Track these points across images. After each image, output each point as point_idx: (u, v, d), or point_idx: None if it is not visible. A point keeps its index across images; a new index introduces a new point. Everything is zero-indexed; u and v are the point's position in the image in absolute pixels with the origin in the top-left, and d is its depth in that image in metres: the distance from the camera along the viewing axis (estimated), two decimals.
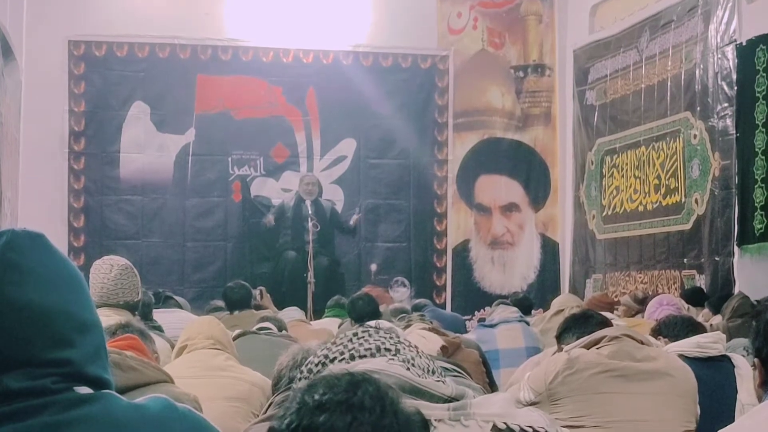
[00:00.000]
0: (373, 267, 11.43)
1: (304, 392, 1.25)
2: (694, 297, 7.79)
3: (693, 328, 4.24)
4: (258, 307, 7.08)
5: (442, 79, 11.70)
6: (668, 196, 9.33)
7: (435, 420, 1.44)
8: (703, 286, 8.45)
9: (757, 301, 6.64)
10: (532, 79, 11.89)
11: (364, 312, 5.63)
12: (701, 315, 7.00)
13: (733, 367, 3.92)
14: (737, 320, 6.25)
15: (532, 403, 3.27)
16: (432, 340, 4.25)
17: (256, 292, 7.67)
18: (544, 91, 11.90)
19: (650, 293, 8.63)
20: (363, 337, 1.64)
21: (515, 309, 6.43)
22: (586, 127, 11.06)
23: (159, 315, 5.66)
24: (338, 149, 11.45)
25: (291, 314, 7.18)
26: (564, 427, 2.97)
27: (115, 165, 10.97)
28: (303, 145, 11.38)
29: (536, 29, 11.90)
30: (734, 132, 8.17)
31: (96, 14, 10.86)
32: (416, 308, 7.61)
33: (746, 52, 7.99)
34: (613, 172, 10.49)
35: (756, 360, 2.69)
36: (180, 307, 6.64)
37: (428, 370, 1.63)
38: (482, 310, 10.97)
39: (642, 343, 3.52)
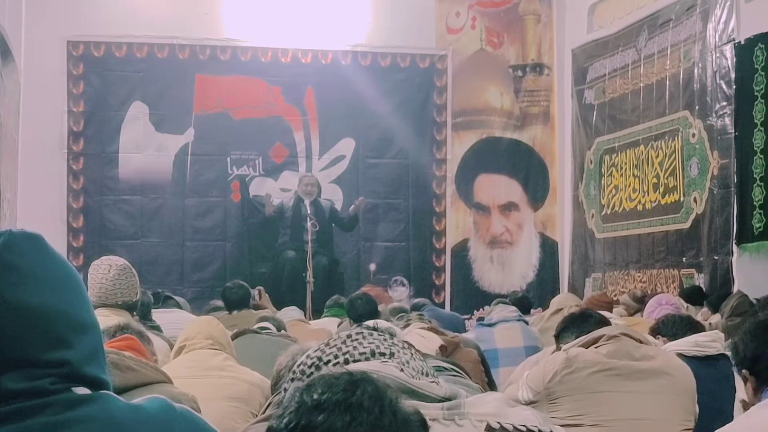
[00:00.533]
0: (372, 266, 11.43)
1: (302, 391, 1.25)
2: (693, 296, 7.79)
3: (691, 327, 4.24)
4: (257, 307, 7.09)
5: (441, 79, 11.70)
6: (667, 195, 9.33)
7: (429, 419, 1.44)
8: (702, 285, 8.45)
9: (756, 299, 6.65)
10: (531, 79, 11.89)
11: (363, 311, 5.63)
12: (700, 314, 7.01)
13: (732, 365, 3.92)
14: (736, 319, 6.25)
15: (531, 403, 3.27)
16: (431, 339, 4.25)
17: (254, 292, 7.68)
18: (543, 91, 11.91)
19: (649, 292, 8.64)
20: (357, 339, 1.63)
21: (514, 308, 6.43)
22: (585, 127, 11.06)
23: (158, 315, 5.67)
24: (337, 149, 11.45)
25: (290, 314, 7.18)
26: (562, 426, 2.97)
27: (114, 165, 10.97)
28: (302, 144, 11.38)
29: (534, 28, 11.90)
30: (733, 131, 8.17)
31: (94, 14, 10.86)
32: (415, 307, 7.62)
33: (745, 51, 8.00)
34: (612, 171, 10.49)
35: (745, 372, 2.72)
36: (179, 307, 6.65)
37: (422, 372, 1.63)
38: (481, 310, 10.97)
39: (640, 342, 3.52)
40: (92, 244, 10.72)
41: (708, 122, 8.59)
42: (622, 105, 10.27)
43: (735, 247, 8.10)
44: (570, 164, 11.51)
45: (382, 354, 1.60)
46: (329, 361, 1.59)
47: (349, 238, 11.33)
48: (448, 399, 1.60)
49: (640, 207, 9.86)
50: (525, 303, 8.30)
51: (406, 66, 11.62)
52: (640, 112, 9.88)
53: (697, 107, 8.80)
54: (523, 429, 1.59)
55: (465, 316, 10.26)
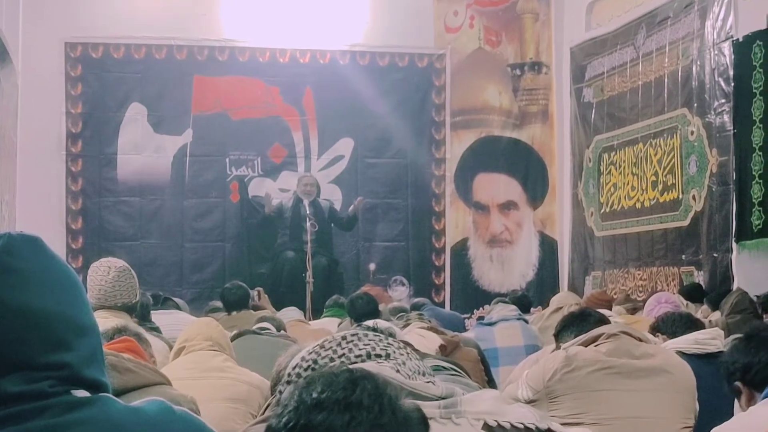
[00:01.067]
0: (372, 266, 11.43)
1: (302, 389, 1.25)
2: (693, 293, 7.79)
3: (691, 324, 4.24)
4: (256, 308, 7.09)
5: (439, 78, 11.69)
6: (666, 193, 9.33)
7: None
8: (701, 283, 8.45)
9: (757, 296, 6.65)
10: (529, 77, 11.89)
11: (364, 311, 5.62)
12: (700, 311, 7.00)
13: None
14: (736, 316, 6.26)
15: (531, 401, 3.27)
16: (431, 339, 4.25)
17: (253, 293, 7.68)
18: (541, 89, 11.90)
19: (649, 290, 8.65)
20: (352, 341, 1.62)
21: (514, 307, 6.42)
22: (584, 125, 11.06)
23: (157, 316, 5.66)
24: (336, 149, 11.45)
25: (290, 314, 7.18)
26: (563, 424, 2.96)
27: (113, 166, 10.96)
28: (300, 144, 11.38)
29: (533, 27, 11.90)
30: (731, 128, 8.17)
31: (92, 16, 10.85)
32: (415, 307, 7.61)
33: (743, 48, 8.00)
34: (610, 169, 10.49)
35: (738, 384, 2.73)
36: (178, 308, 6.64)
37: (418, 372, 1.62)
38: (481, 309, 10.96)
39: (640, 340, 3.52)
40: (91, 246, 10.71)
41: (706, 120, 8.59)
42: (620, 103, 10.26)
43: (734, 245, 8.10)
44: (569, 162, 11.51)
45: (378, 356, 1.60)
46: (325, 363, 1.58)
47: (348, 238, 11.32)
48: (445, 398, 1.59)
49: (639, 205, 9.86)
50: (525, 302, 8.30)
51: (405, 65, 11.62)
52: (639, 110, 9.88)
53: (695, 105, 8.80)
54: (521, 426, 1.58)
55: (465, 316, 10.26)
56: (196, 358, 3.69)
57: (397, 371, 1.57)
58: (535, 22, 11.90)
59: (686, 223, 8.95)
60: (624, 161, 10.18)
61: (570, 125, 11.46)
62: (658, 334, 4.24)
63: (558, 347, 3.66)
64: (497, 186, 11.82)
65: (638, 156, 9.87)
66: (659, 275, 9.38)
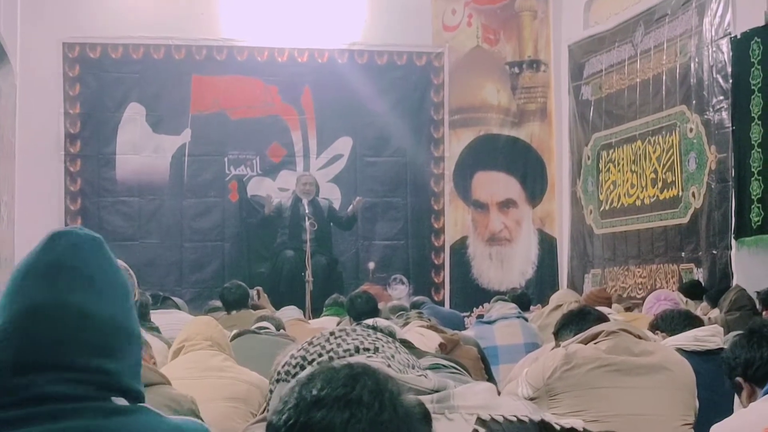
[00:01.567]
0: (371, 265, 11.42)
1: (302, 386, 1.23)
2: (692, 290, 7.80)
3: (690, 321, 4.24)
4: (255, 307, 7.09)
5: (438, 76, 11.69)
6: (665, 190, 9.33)
7: None
8: (701, 280, 8.45)
9: (757, 292, 6.65)
10: (528, 75, 11.88)
11: (363, 310, 5.62)
12: (699, 308, 7.01)
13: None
14: (735, 313, 6.26)
15: (531, 399, 3.27)
16: (430, 337, 4.25)
17: (253, 292, 7.67)
18: (540, 87, 11.90)
19: (648, 287, 8.65)
20: (341, 336, 1.62)
21: (513, 305, 6.42)
22: (582, 122, 11.06)
23: (157, 316, 5.66)
24: (334, 148, 11.44)
25: (289, 313, 7.18)
26: None
27: (112, 167, 10.96)
28: (299, 144, 11.37)
29: (531, 25, 11.90)
30: (730, 125, 8.17)
31: (90, 16, 10.85)
32: (415, 305, 7.60)
33: (741, 45, 7.99)
34: (609, 167, 10.49)
35: (739, 379, 2.74)
36: (178, 308, 6.64)
37: (408, 365, 1.62)
38: (480, 307, 10.96)
39: (639, 337, 3.52)
40: None
41: (705, 117, 8.59)
42: (619, 100, 10.26)
43: (733, 242, 8.10)
44: (568, 160, 11.51)
45: (366, 349, 1.59)
46: (313, 359, 1.57)
47: (347, 237, 11.32)
48: (437, 391, 1.59)
49: (638, 202, 9.86)
50: (524, 300, 8.30)
51: (403, 64, 11.61)
52: (637, 108, 9.88)
53: (694, 102, 8.80)
54: (514, 419, 1.58)
55: (464, 314, 10.25)
56: (195, 358, 3.68)
57: (388, 365, 1.56)
58: (533, 20, 11.90)
59: (685, 220, 8.95)
60: (623, 159, 10.18)
61: (568, 123, 11.46)
62: (657, 331, 4.24)
63: (557, 345, 3.66)
64: (496, 184, 11.82)
65: (637, 153, 9.87)
66: (659, 272, 9.38)
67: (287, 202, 10.82)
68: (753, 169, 7.84)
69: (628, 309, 7.32)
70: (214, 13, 11.22)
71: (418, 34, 11.58)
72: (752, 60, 7.86)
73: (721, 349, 3.93)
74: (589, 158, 10.92)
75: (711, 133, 8.49)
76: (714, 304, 6.96)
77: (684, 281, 8.63)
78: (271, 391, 1.60)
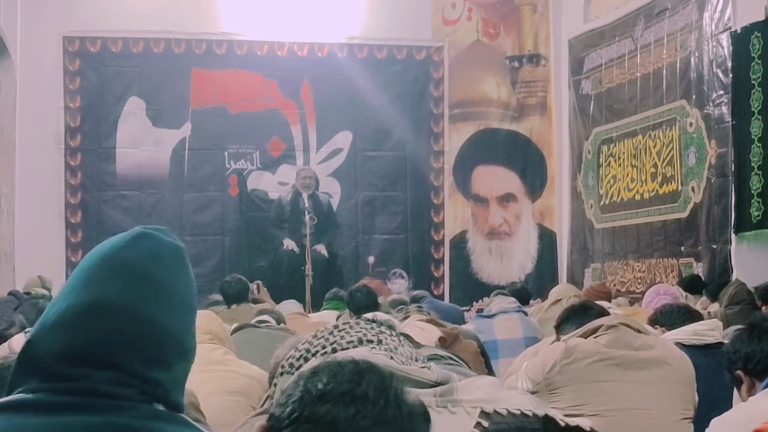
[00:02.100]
0: (371, 259, 11.43)
1: (307, 379, 1.23)
2: (692, 285, 7.80)
3: (689, 316, 4.25)
4: (255, 301, 7.09)
5: (438, 71, 11.69)
6: (665, 185, 9.33)
7: None
8: (700, 274, 8.45)
9: (755, 288, 6.65)
10: (528, 69, 11.88)
11: (363, 304, 5.63)
12: (699, 303, 7.01)
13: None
14: (735, 307, 6.27)
15: (531, 393, 3.27)
16: (430, 331, 4.25)
17: (252, 286, 7.67)
18: (540, 81, 11.90)
19: (648, 282, 8.65)
20: (344, 329, 1.63)
21: (513, 299, 6.43)
22: (582, 117, 11.05)
23: None
24: (334, 142, 11.44)
25: (289, 308, 7.18)
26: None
27: (112, 160, 10.96)
28: (299, 138, 11.37)
29: (531, 19, 11.89)
30: (730, 119, 8.16)
31: (90, 10, 10.85)
32: (414, 300, 7.61)
33: (741, 40, 7.98)
34: (609, 162, 10.48)
35: (739, 372, 2.75)
36: None
37: (411, 357, 1.62)
38: (480, 301, 10.97)
39: (639, 331, 3.52)
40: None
41: (705, 111, 8.59)
42: (619, 95, 10.26)
43: (733, 236, 8.09)
44: (568, 155, 11.51)
45: (370, 341, 1.60)
46: (317, 351, 1.58)
47: (347, 231, 11.33)
48: (441, 383, 1.59)
49: (638, 197, 9.86)
50: (524, 294, 8.29)
51: (403, 58, 11.61)
52: (638, 102, 9.87)
53: (694, 96, 8.80)
54: (517, 413, 1.58)
55: (464, 308, 10.26)
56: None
57: (391, 358, 1.57)
58: (533, 14, 11.89)
59: (685, 214, 8.95)
60: (623, 153, 10.18)
61: (568, 117, 11.46)
62: (656, 326, 4.25)
63: (558, 338, 3.66)
64: (496, 178, 11.82)
65: (637, 148, 9.87)
66: (658, 267, 9.38)
67: (287, 196, 10.83)
68: (753, 164, 7.84)
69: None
70: (214, 6, 11.22)
71: (418, 29, 11.58)
72: (752, 55, 7.85)
73: (720, 343, 3.94)
74: (589, 152, 10.91)
75: (711, 127, 8.49)
76: (713, 298, 6.96)
77: (683, 276, 8.63)
78: (275, 384, 1.61)
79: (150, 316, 1.35)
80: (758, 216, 7.79)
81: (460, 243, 11.72)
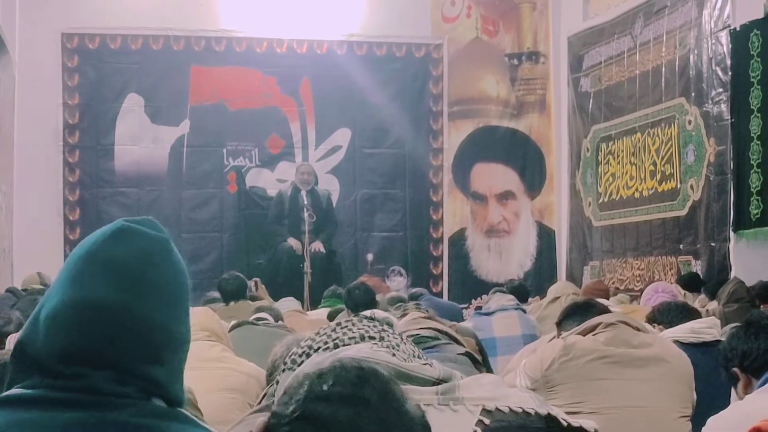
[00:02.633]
0: (370, 257, 11.43)
1: (311, 380, 1.24)
2: (691, 283, 7.80)
3: (687, 314, 4.25)
4: (253, 298, 7.09)
5: (437, 68, 11.68)
6: (664, 182, 9.33)
7: (424, 405, 1.43)
8: (699, 272, 8.45)
9: (752, 287, 6.64)
10: (527, 67, 11.87)
11: (361, 301, 5.62)
12: (698, 301, 7.01)
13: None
14: (733, 305, 6.26)
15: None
16: None
17: (251, 283, 7.67)
18: (539, 79, 11.89)
19: (647, 279, 8.65)
20: (347, 326, 1.63)
21: (512, 297, 6.43)
22: (581, 114, 11.05)
23: None
24: (333, 139, 11.44)
25: (287, 305, 7.17)
26: None
27: (110, 157, 10.95)
28: (298, 135, 11.36)
29: (530, 17, 11.88)
30: (729, 117, 8.16)
31: (89, 6, 10.83)
32: (413, 297, 7.61)
33: (740, 38, 7.98)
34: (608, 159, 10.48)
35: (736, 369, 2.75)
36: None
37: (413, 355, 1.62)
38: (479, 299, 10.95)
39: (638, 329, 3.52)
40: None
41: (704, 109, 8.58)
42: (618, 92, 10.26)
43: (732, 234, 8.09)
44: (566, 152, 11.50)
45: (372, 338, 1.60)
46: (319, 348, 1.59)
47: (346, 229, 11.32)
48: (443, 380, 1.59)
49: (637, 195, 9.86)
50: (522, 291, 8.29)
51: (402, 55, 11.60)
52: (637, 100, 9.87)
53: (693, 94, 8.80)
54: (519, 411, 1.58)
55: (463, 306, 10.25)
56: (193, 349, 3.66)
57: (393, 355, 1.57)
58: (533, 12, 11.89)
59: (684, 212, 8.95)
60: (622, 151, 10.17)
61: (567, 115, 11.45)
62: (654, 323, 4.25)
63: (559, 335, 3.66)
64: (495, 176, 11.82)
65: (636, 146, 9.87)
66: (657, 265, 9.38)
67: (286, 193, 10.82)
68: (752, 162, 7.84)
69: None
70: (213, 3, 11.21)
71: (417, 26, 11.57)
72: (752, 52, 7.84)
73: (718, 341, 3.94)
74: (588, 150, 10.91)
75: (710, 125, 8.49)
76: (712, 296, 6.96)
77: (682, 273, 8.63)
78: (277, 381, 1.61)
79: (144, 314, 1.36)
80: (757, 214, 7.79)
81: (458, 240, 11.72)
